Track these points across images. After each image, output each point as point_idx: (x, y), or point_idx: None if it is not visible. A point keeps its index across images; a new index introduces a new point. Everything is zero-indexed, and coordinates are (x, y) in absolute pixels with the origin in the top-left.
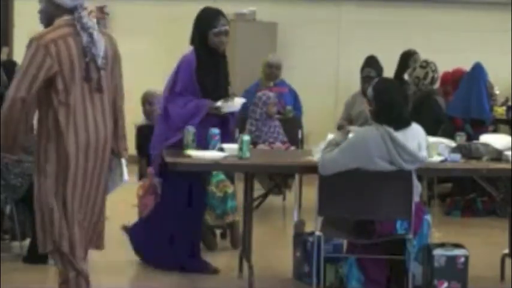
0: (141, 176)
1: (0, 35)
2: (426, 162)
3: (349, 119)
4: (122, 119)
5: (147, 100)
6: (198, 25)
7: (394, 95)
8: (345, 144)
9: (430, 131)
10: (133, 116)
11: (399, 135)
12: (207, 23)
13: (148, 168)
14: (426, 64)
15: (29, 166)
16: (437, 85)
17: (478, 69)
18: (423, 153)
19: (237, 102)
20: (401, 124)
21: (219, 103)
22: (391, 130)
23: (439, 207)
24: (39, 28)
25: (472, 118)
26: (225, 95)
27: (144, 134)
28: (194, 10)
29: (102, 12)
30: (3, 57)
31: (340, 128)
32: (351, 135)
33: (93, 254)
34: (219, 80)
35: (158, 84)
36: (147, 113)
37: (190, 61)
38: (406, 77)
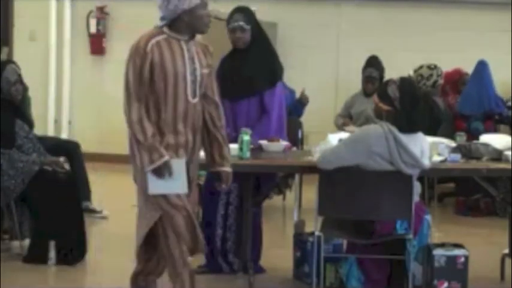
0: None
1: (0, 35)
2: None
3: (349, 116)
4: None
5: None
6: None
7: (419, 99)
8: (348, 138)
9: (430, 131)
10: None
11: (403, 137)
12: (227, 22)
13: None
14: (434, 67)
15: (24, 166)
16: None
17: (481, 66)
18: (425, 161)
19: (281, 144)
20: (410, 129)
21: (263, 142)
22: (395, 130)
23: (438, 207)
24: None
25: (486, 112)
26: (247, 92)
27: None
28: None
29: (102, 12)
30: (3, 57)
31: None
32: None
33: (93, 255)
34: (236, 78)
35: None
36: None
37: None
38: (411, 72)
